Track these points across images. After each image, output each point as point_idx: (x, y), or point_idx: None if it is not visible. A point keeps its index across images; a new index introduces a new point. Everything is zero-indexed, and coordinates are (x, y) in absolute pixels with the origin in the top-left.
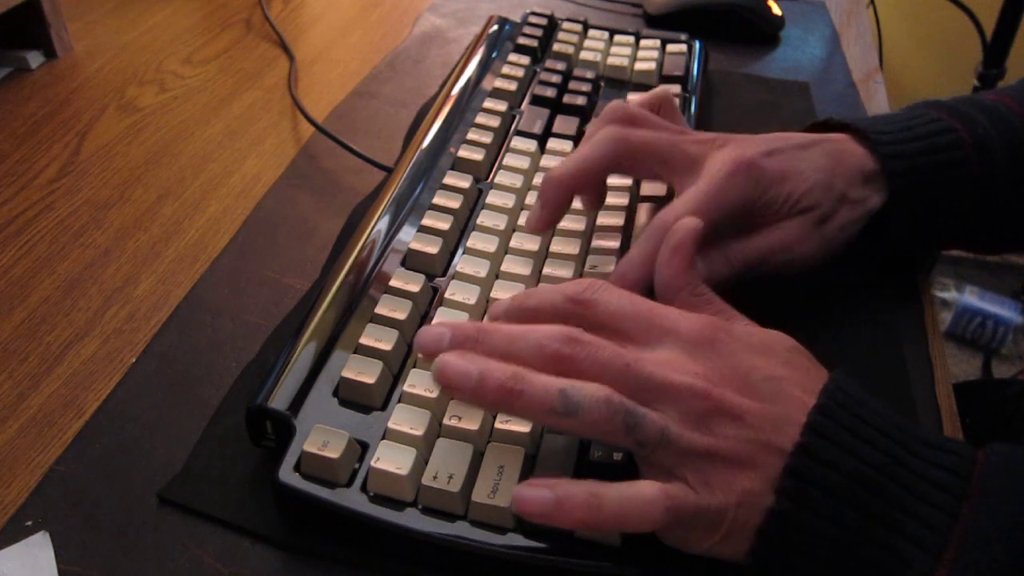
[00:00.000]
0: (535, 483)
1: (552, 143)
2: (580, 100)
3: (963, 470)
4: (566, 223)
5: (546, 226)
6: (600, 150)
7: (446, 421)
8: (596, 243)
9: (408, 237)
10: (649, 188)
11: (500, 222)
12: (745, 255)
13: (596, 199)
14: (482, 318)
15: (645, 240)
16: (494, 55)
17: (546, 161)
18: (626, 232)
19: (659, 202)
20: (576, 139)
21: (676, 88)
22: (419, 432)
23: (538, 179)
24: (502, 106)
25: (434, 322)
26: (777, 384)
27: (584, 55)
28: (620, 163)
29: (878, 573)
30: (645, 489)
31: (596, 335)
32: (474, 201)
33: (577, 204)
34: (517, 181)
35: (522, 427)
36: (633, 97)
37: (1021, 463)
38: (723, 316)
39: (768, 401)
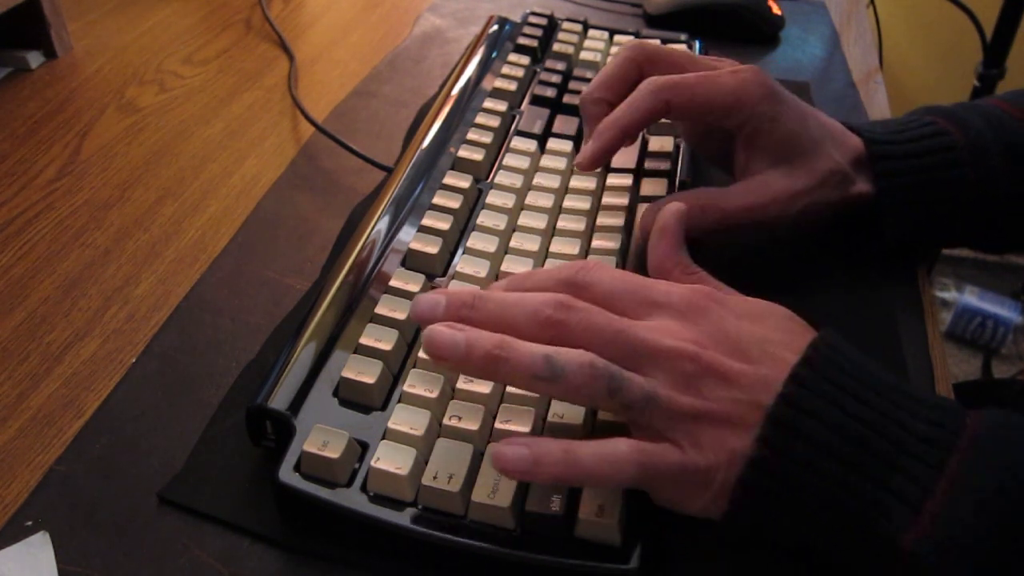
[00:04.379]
0: (514, 441)
1: (552, 143)
2: None
3: (952, 425)
4: (566, 223)
5: (600, 152)
6: (621, 58)
7: (446, 421)
8: (596, 243)
9: (408, 237)
10: (649, 188)
11: (500, 222)
12: (723, 209)
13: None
14: None
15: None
16: (494, 55)
17: (546, 161)
18: (626, 232)
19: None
20: (576, 139)
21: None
22: (419, 432)
23: (538, 179)
24: (502, 106)
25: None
26: (769, 347)
27: (584, 55)
28: (642, 68)
29: (859, 526)
30: (619, 446)
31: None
32: (474, 201)
33: (576, 204)
34: (517, 181)
35: (522, 427)
36: None
37: (1017, 426)
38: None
39: (758, 363)
